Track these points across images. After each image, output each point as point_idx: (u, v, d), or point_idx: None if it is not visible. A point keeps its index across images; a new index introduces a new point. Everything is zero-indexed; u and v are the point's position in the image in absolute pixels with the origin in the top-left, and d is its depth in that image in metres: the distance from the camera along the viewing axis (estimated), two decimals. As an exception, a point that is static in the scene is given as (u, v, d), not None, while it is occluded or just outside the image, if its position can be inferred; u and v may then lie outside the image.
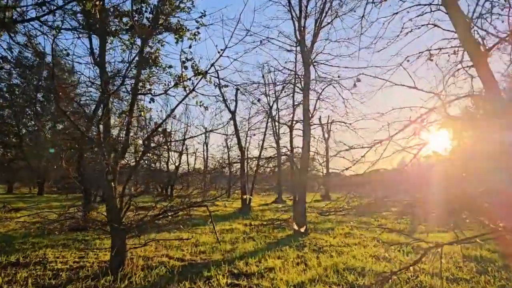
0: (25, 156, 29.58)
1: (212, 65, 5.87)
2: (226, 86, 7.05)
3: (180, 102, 6.14)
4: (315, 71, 11.49)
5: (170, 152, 35.39)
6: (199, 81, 6.58)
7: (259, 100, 11.83)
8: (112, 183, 6.67)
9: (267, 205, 26.74)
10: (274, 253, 8.67)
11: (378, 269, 7.23)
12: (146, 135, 6.31)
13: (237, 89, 18.71)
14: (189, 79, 7.20)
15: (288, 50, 11.83)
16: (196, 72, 7.11)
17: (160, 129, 6.24)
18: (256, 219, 16.61)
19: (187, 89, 7.33)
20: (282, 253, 8.77)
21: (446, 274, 7.28)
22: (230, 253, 8.86)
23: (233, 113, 19.09)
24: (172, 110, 6.94)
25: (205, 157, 43.07)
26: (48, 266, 7.14)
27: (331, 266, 7.42)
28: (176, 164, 34.70)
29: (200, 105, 7.61)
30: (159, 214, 6.61)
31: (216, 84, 18.54)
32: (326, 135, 26.74)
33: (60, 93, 5.69)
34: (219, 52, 6.36)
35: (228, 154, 26.17)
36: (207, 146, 43.06)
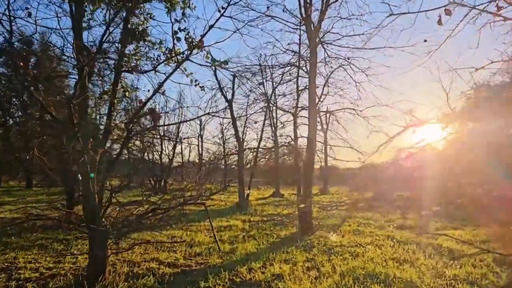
0: (12, 148, 28.23)
1: (211, 27, 4.77)
2: (226, 63, 5.95)
3: (172, 73, 5.06)
4: (325, 51, 10.39)
5: (163, 142, 34.18)
6: (192, 50, 5.45)
7: (260, 83, 10.73)
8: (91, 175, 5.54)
9: (265, 199, 25.71)
10: (279, 256, 7.60)
11: (404, 276, 6.17)
12: (130, 117, 5.14)
13: (234, 76, 17.56)
14: (183, 53, 6.06)
15: (292, 28, 10.69)
16: (191, 44, 5.97)
17: (146, 110, 5.11)
18: (255, 214, 15.55)
19: (182, 67, 6.21)
20: (289, 255, 7.71)
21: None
22: (229, 255, 7.79)
23: (230, 101, 17.94)
24: (161, 85, 5.71)
25: (200, 150, 41.92)
26: (14, 275, 6.01)
27: (348, 272, 6.37)
28: (170, 157, 33.51)
29: (196, 85, 6.48)
30: (147, 213, 5.49)
31: (212, 69, 17.40)
32: (325, 126, 25.65)
33: (21, 64, 4.56)
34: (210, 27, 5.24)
35: (224, 146, 24.99)
36: (201, 138, 41.91)
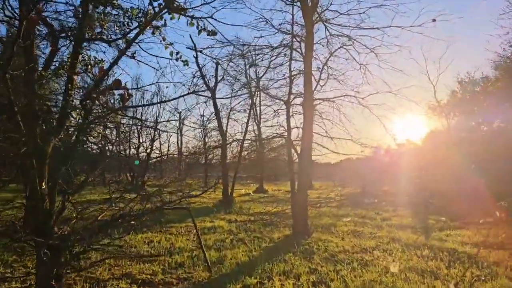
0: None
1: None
2: (214, 33, 4.85)
3: (144, 28, 3.79)
4: (326, 29, 9.20)
5: (139, 133, 32.43)
6: (172, 11, 4.17)
7: (251, 65, 9.47)
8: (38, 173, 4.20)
9: (249, 195, 24.52)
10: (277, 266, 6.41)
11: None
12: (87, 93, 3.80)
13: (218, 64, 16.22)
14: (161, 17, 4.75)
15: (286, 4, 9.42)
16: (171, 4, 4.65)
17: (108, 84, 3.78)
18: (241, 213, 14.32)
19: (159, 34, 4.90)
20: (288, 265, 6.53)
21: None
22: (217, 266, 6.55)
23: (212, 91, 16.61)
24: (127, 46, 4.38)
25: (179, 144, 40.29)
26: None
27: (364, 289, 5.25)
28: (148, 150, 31.89)
29: (177, 58, 5.19)
30: (114, 220, 4.19)
31: (193, 54, 16.06)
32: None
33: None
34: None
35: (204, 140, 23.54)
36: (181, 132, 40.30)
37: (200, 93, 12.83)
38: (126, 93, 3.89)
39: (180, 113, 37.18)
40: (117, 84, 3.49)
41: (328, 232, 9.95)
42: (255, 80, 12.91)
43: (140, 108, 32.00)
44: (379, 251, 7.68)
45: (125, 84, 3.69)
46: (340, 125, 10.51)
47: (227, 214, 13.97)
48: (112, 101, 4.77)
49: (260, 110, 21.47)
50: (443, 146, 32.14)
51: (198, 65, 16.37)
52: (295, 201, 9.45)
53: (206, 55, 15.50)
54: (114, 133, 28.50)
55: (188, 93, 4.88)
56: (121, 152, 31.67)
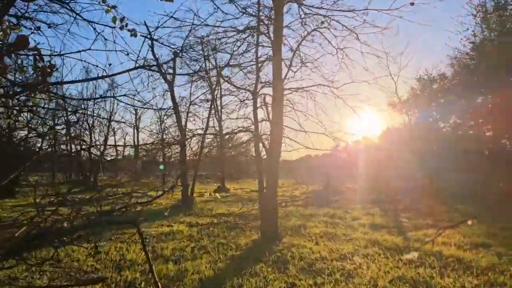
0: None
1: None
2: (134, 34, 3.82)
3: None
4: (300, 8, 8.20)
5: (91, 128, 30.20)
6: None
7: (215, 50, 8.34)
8: None
9: (210, 194, 23.34)
10: (248, 282, 5.40)
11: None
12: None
13: (176, 53, 14.93)
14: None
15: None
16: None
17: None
18: (202, 215, 13.18)
19: None
20: (260, 279, 5.54)
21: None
22: (177, 284, 5.44)
23: (170, 83, 15.32)
24: None
25: (136, 142, 38.22)
26: None
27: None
28: (101, 149, 29.81)
29: (122, 27, 4.07)
30: (26, 241, 3.00)
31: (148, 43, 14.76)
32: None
33: None
34: None
35: (162, 136, 22.01)
36: (137, 129, 38.29)
37: (152, 68, 11.55)
38: (47, 65, 2.74)
39: (136, 110, 35.36)
40: (22, 42, 2.31)
41: (299, 235, 9.09)
42: (218, 68, 11.77)
43: (90, 98, 29.66)
44: (359, 257, 6.88)
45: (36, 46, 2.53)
46: (313, 118, 9.64)
47: (187, 216, 12.79)
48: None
49: (221, 102, 20.35)
50: (400, 143, 32.64)
51: (153, 55, 15.03)
52: (263, 202, 8.48)
53: (163, 44, 14.21)
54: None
55: (136, 67, 3.74)
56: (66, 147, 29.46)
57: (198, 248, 7.77)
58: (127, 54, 5.42)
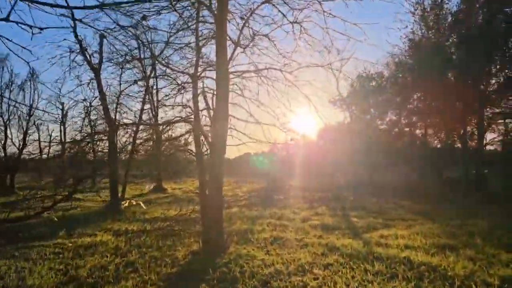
0: None
1: None
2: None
3: None
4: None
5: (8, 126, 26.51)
6: None
7: (144, 18, 6.79)
8: None
9: (144, 195, 21.40)
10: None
11: None
12: None
13: (102, 36, 13.10)
14: None
15: None
16: None
17: None
18: (134, 220, 11.50)
19: None
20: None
21: None
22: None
23: (97, 70, 13.38)
24: None
25: (63, 138, 34.54)
26: None
27: None
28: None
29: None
30: None
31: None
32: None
33: None
34: None
35: (92, 130, 19.64)
36: (64, 126, 34.68)
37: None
38: None
39: (63, 104, 31.96)
40: None
41: (246, 242, 7.90)
42: (151, 49, 10.13)
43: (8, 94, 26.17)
44: (320, 268, 5.83)
45: None
46: (265, 107, 8.41)
47: (116, 222, 11.07)
48: None
49: (157, 90, 18.55)
50: (340, 140, 32.86)
51: (76, 37, 13.05)
52: (206, 205, 7.14)
53: (88, 25, 12.28)
54: None
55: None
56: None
57: (124, 265, 6.26)
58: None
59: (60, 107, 32.83)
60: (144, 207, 8.09)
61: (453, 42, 20.94)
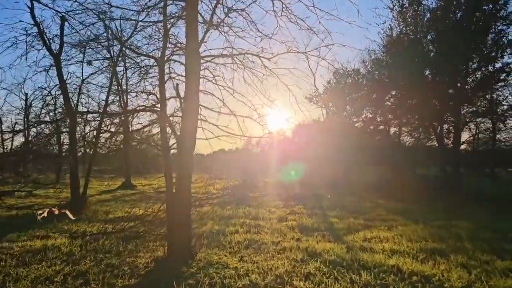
0: None
1: None
2: None
3: None
4: None
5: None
6: None
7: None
8: None
9: (112, 192, 20.23)
10: None
11: None
12: None
13: (63, 18, 11.97)
14: None
15: None
16: None
17: None
18: (94, 220, 10.50)
19: None
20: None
21: None
22: None
23: (57, 56, 12.21)
24: None
25: (27, 134, 32.49)
26: None
27: None
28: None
29: None
30: None
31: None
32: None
33: None
34: None
35: (56, 122, 18.27)
36: (27, 118, 32.66)
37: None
38: None
39: (26, 95, 30.15)
40: None
41: (218, 246, 7.14)
42: (115, 31, 9.12)
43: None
44: (301, 279, 5.12)
45: None
46: (240, 96, 7.56)
47: (74, 222, 10.04)
48: None
49: (126, 78, 17.38)
50: (316, 137, 32.44)
51: (34, 18, 11.87)
52: (172, 205, 6.31)
53: (47, 6, 11.15)
54: None
55: None
56: None
57: (75, 276, 5.37)
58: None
59: (24, 97, 30.94)
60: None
61: (431, 39, 20.76)
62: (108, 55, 13.42)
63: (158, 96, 6.48)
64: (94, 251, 6.77)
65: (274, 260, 6.06)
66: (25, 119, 33.14)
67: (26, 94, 30.69)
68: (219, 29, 6.79)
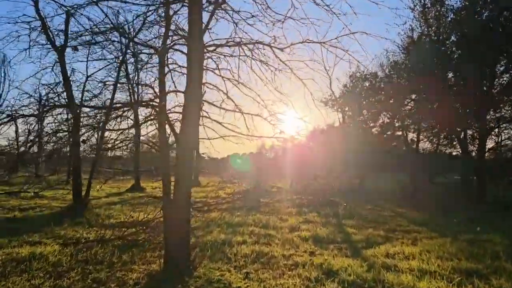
0: None
1: None
2: None
3: None
4: None
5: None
6: None
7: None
8: None
9: (120, 194, 19.70)
10: None
11: None
12: None
13: (69, 13, 11.46)
14: None
15: None
16: None
17: None
18: (95, 224, 9.87)
19: None
20: None
21: None
22: None
23: (60, 52, 11.72)
24: None
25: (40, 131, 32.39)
26: None
27: None
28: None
29: None
30: None
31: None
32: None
33: None
34: None
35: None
36: (42, 120, 32.47)
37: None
38: None
39: (40, 94, 30.05)
40: None
41: (222, 258, 6.39)
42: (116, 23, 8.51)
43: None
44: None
45: None
46: (250, 91, 6.77)
47: (73, 226, 9.46)
48: None
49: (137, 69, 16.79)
50: (331, 142, 31.46)
51: (38, 14, 11.43)
52: (169, 213, 5.59)
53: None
54: None
55: None
56: None
57: (54, 292, 4.68)
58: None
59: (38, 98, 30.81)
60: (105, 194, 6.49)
61: (454, 40, 19.69)
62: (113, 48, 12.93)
63: (157, 90, 5.79)
64: (85, 262, 6.10)
65: (284, 279, 5.28)
66: (39, 122, 32.86)
67: (40, 95, 30.52)
68: (225, 11, 6.03)
